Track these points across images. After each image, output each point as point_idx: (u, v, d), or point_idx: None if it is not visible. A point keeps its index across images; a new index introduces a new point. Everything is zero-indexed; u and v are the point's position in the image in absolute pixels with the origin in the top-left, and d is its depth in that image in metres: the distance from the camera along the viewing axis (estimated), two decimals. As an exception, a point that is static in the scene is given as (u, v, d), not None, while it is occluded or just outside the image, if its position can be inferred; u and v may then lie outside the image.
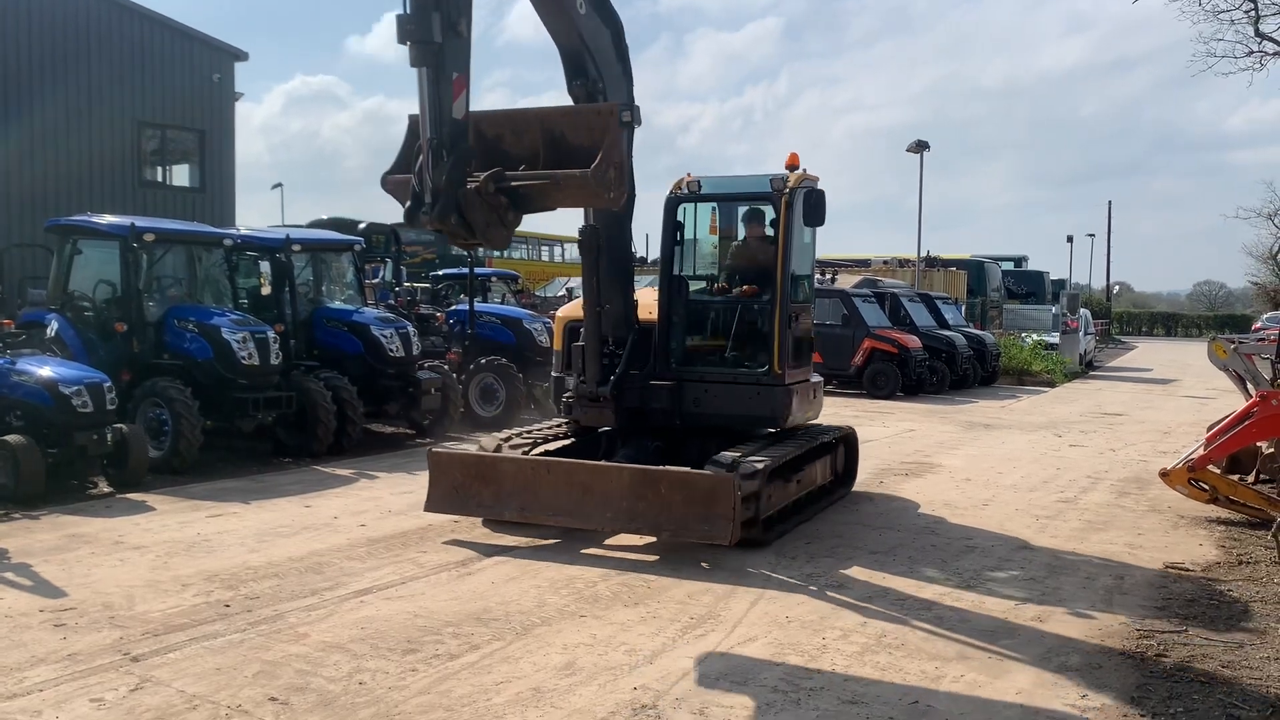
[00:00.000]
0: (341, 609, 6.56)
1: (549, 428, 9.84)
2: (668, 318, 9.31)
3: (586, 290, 8.60)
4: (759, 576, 7.46)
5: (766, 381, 9.17)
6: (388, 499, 10.10)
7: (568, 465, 8.55)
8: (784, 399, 9.21)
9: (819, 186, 9.37)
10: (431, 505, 8.75)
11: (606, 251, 8.72)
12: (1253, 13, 23.83)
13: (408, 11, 6.28)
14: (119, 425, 10.33)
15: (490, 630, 6.19)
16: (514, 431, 9.61)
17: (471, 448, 9.12)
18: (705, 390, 9.21)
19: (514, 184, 6.78)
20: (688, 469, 8.26)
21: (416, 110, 6.69)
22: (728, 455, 8.33)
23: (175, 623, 6.21)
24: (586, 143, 7.03)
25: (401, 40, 6.32)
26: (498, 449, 8.90)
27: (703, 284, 9.93)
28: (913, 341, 22.76)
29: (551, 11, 7.78)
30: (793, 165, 9.42)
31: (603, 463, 8.62)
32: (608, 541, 8.31)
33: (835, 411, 18.38)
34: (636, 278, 9.68)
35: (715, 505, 7.92)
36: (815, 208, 9.13)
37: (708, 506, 7.94)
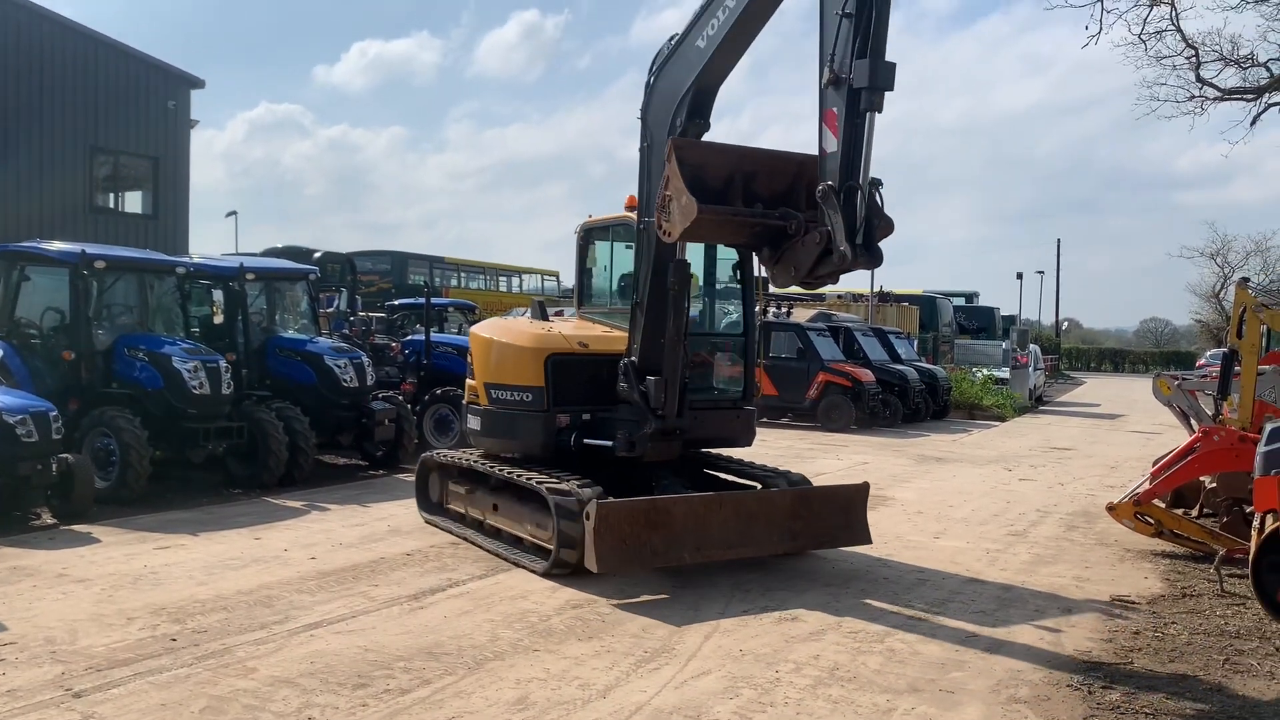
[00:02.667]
0: (291, 643, 6.46)
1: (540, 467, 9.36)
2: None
3: (675, 325, 8.46)
4: (714, 610, 7.47)
5: (743, 406, 9.79)
6: (339, 531, 9.99)
7: (736, 497, 8.80)
8: (753, 421, 9.96)
9: None
10: (604, 564, 7.83)
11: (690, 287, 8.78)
12: (1194, 59, 24.52)
13: (880, 57, 6.63)
14: (64, 455, 10.14)
15: (442, 665, 6.13)
16: (545, 475, 8.89)
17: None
18: (695, 416, 9.36)
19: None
20: (828, 485, 9.45)
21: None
22: (774, 472, 9.47)
23: (119, 657, 6.08)
24: None
25: (885, 87, 6.63)
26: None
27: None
28: (866, 375, 23.02)
29: (735, 54, 7.92)
30: (632, 206, 9.76)
31: (764, 491, 9.16)
32: (564, 575, 8.26)
33: (790, 445, 18.53)
34: (554, 309, 10.20)
35: (853, 513, 9.07)
36: None
37: (848, 515, 9.04)
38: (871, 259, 6.88)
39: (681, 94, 8.11)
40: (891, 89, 6.70)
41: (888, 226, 7.49)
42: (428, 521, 10.35)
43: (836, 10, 6.76)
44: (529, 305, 11.37)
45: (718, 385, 9.96)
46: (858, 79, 6.63)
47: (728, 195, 7.60)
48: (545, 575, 8.24)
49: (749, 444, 9.86)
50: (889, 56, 6.69)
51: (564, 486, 8.44)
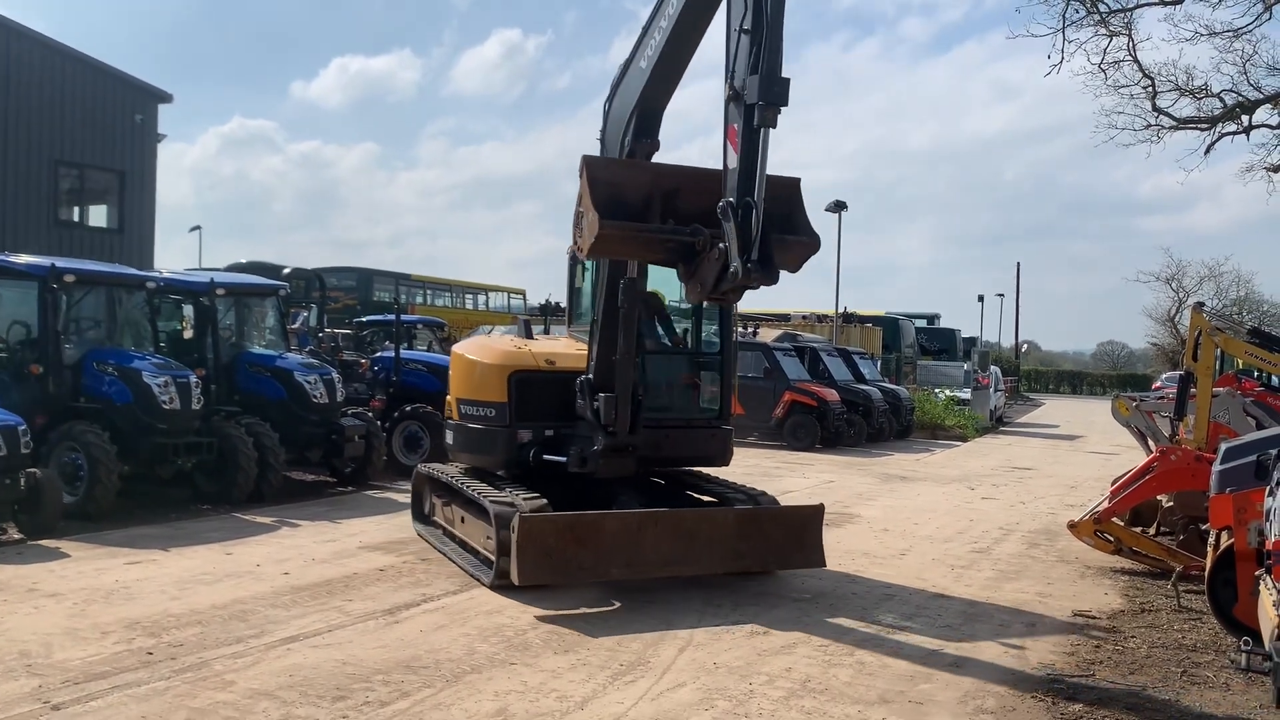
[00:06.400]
0: (268, 656, 6.49)
1: (497, 482, 9.45)
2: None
3: (625, 343, 8.43)
4: (686, 624, 7.58)
5: (718, 425, 9.83)
6: (311, 547, 9.99)
7: (673, 515, 8.64)
8: (730, 440, 9.98)
9: None
10: (525, 576, 7.93)
11: (643, 304, 8.72)
12: (1150, 89, 25.14)
13: (770, 72, 6.54)
14: (32, 470, 10.07)
15: (420, 678, 6.19)
16: (492, 489, 9.02)
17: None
18: (666, 435, 9.47)
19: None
20: (782, 505, 9.18)
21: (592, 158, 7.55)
22: (739, 490, 9.33)
23: (96, 670, 6.08)
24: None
25: (770, 102, 6.54)
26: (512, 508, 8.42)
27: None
28: (831, 395, 23.27)
29: (671, 74, 7.95)
30: None
31: (707, 509, 9.21)
32: (535, 590, 8.33)
33: (756, 463, 18.68)
34: (551, 329, 10.23)
35: (808, 535, 8.93)
36: None
37: (802, 537, 8.90)
38: (765, 275, 6.78)
39: (628, 115, 8.17)
40: (784, 104, 6.62)
41: (811, 245, 7.59)
42: (420, 535, 10.41)
43: (735, 26, 6.76)
44: (497, 324, 11.44)
45: (691, 404, 10.01)
46: (749, 94, 6.61)
47: (648, 212, 7.59)
48: (491, 588, 8.28)
49: (725, 463, 9.91)
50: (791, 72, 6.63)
51: (507, 498, 8.55)
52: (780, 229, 7.37)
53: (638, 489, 9.50)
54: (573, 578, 8.20)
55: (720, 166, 7.03)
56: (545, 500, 8.51)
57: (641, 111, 8.11)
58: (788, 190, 7.76)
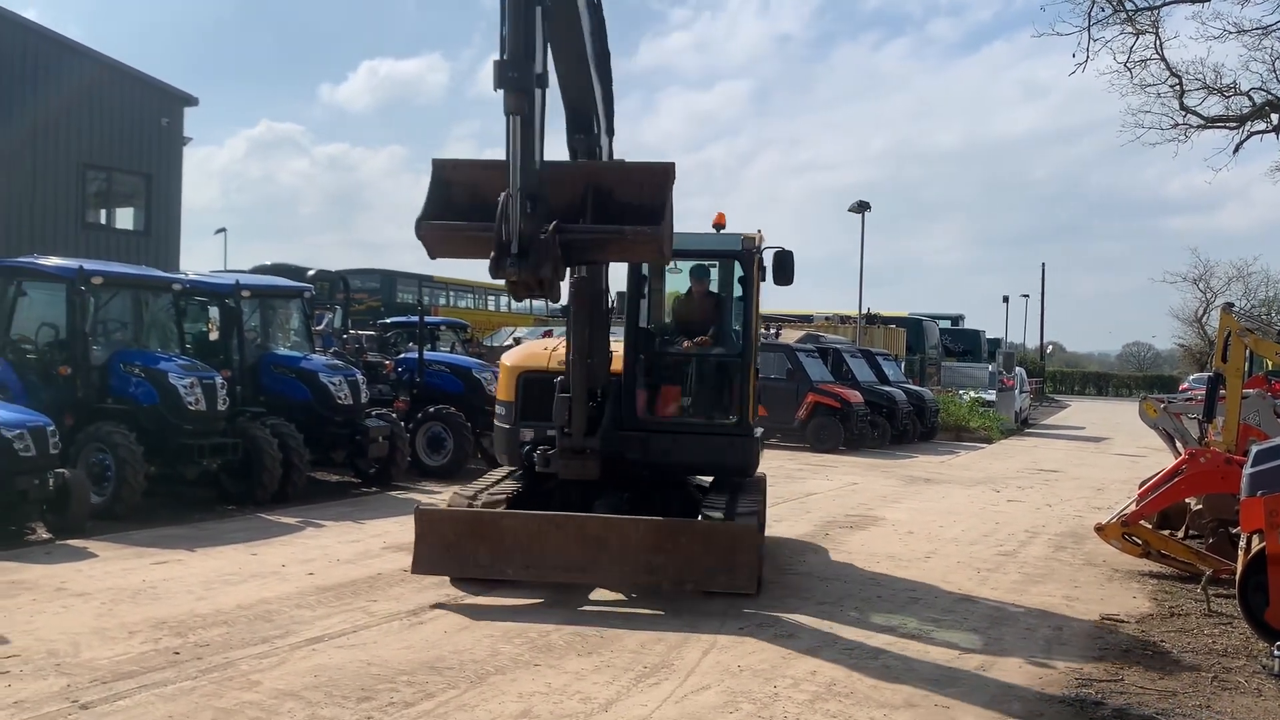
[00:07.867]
0: (293, 657, 6.52)
1: (502, 479, 9.62)
2: (635, 370, 9.36)
3: (575, 342, 8.32)
4: (710, 626, 7.55)
5: (737, 432, 9.42)
6: (335, 547, 10.03)
7: (579, 519, 8.35)
8: (753, 448, 9.54)
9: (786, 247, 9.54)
10: (420, 566, 8.25)
11: (597, 304, 8.67)
12: (1177, 87, 24.86)
13: (508, 58, 6.35)
14: (61, 470, 10.16)
15: (444, 679, 6.19)
16: (480, 486, 9.18)
17: (442, 505, 8.92)
18: (674, 440, 9.28)
19: (579, 235, 6.95)
20: (709, 520, 8.50)
21: (440, 156, 7.24)
22: (716, 504, 8.75)
23: (124, 670, 6.12)
24: (635, 199, 7.31)
25: (500, 87, 6.37)
26: (473, 504, 8.63)
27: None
28: (855, 396, 23.18)
29: (574, 70, 7.80)
30: (720, 224, 9.73)
31: (618, 516, 8.51)
32: (558, 592, 8.33)
33: (780, 465, 18.62)
34: (544, 329, 10.36)
35: (738, 555, 8.15)
36: (785, 267, 9.39)
37: (731, 557, 8.14)
38: (522, 270, 6.60)
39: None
40: (525, 89, 6.39)
41: (656, 237, 7.27)
42: None
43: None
44: (519, 325, 11.54)
45: (702, 409, 9.69)
46: (495, 80, 6.40)
47: None
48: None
49: (750, 473, 9.59)
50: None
51: (470, 493, 8.82)
52: (647, 220, 7.23)
53: (638, 493, 9.27)
54: (469, 572, 8.29)
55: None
56: (504, 498, 8.69)
57: (573, 110, 8.08)
58: (659, 178, 7.54)
